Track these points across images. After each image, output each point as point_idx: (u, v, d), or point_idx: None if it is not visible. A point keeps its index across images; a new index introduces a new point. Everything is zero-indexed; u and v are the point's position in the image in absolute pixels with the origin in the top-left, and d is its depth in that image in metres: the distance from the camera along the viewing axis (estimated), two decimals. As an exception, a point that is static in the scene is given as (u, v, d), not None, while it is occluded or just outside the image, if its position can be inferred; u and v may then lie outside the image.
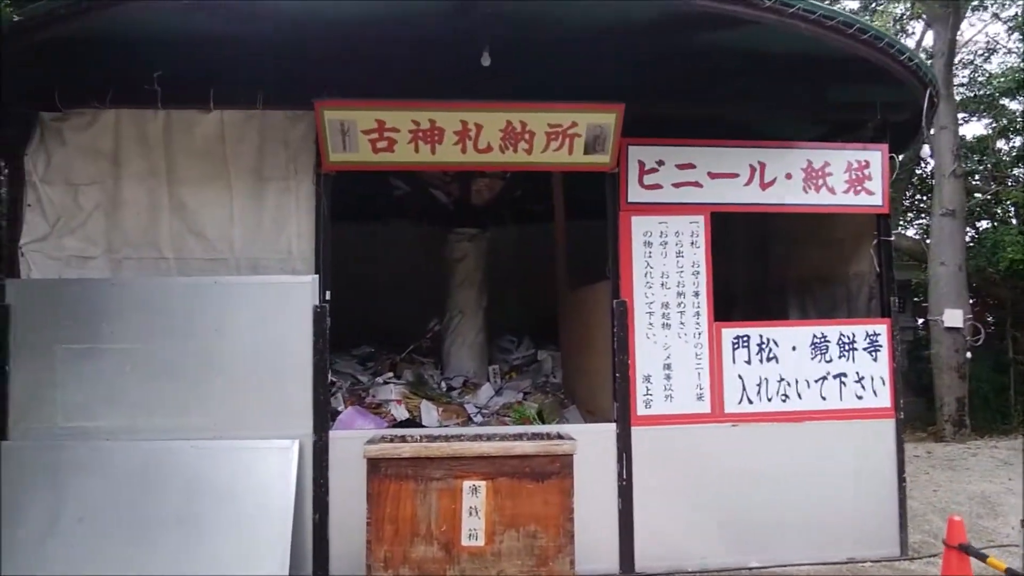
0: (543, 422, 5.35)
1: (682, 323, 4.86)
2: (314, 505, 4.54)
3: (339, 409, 5.31)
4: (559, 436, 4.50)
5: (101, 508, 4.31)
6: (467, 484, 4.11)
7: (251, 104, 4.72)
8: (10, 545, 4.21)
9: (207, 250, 4.77)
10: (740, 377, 4.88)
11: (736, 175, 4.94)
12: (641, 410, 4.79)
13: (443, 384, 6.55)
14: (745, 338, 4.91)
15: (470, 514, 4.07)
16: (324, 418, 4.59)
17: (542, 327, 8.21)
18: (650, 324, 4.84)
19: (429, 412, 5.79)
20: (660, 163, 4.85)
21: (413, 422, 5.38)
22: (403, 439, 4.46)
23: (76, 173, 4.74)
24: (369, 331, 8.29)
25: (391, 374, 6.45)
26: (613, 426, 4.77)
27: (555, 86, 4.53)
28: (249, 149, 4.81)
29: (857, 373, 4.99)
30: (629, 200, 4.87)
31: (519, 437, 4.51)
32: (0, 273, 4.70)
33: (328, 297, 4.70)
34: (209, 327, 4.59)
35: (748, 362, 4.89)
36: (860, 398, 4.98)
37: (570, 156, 4.67)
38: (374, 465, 4.10)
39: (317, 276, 4.67)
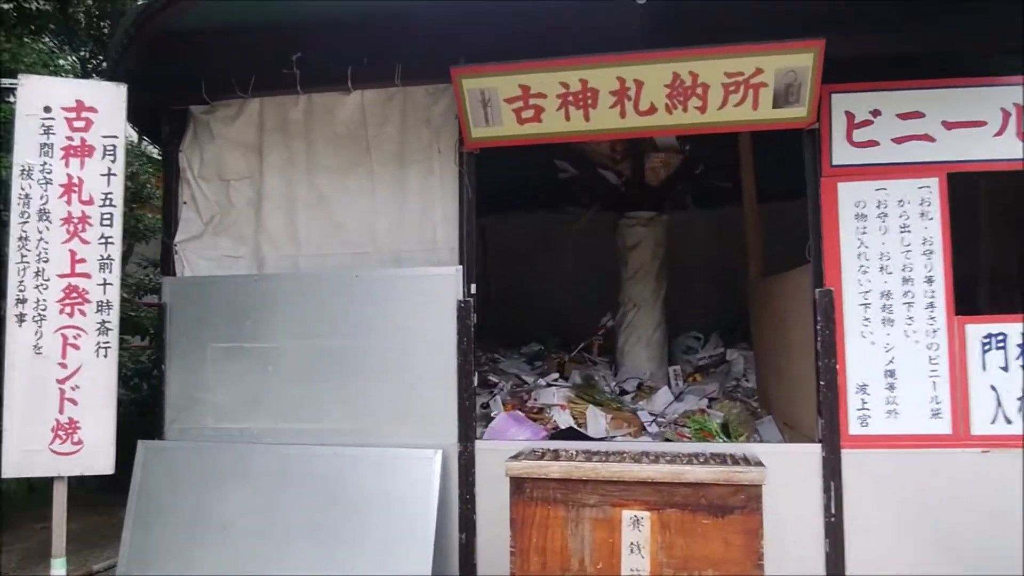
0: (728, 437, 4.48)
1: (910, 318, 3.79)
2: (460, 524, 4.04)
3: (493, 414, 4.79)
4: (745, 459, 3.65)
5: (243, 515, 4.11)
6: (627, 514, 3.40)
7: (389, 81, 4.31)
8: (156, 548, 4.12)
9: (348, 244, 4.44)
10: (993, 388, 3.72)
11: (982, 123, 3.78)
12: (855, 428, 3.80)
13: (615, 387, 5.84)
14: (1000, 337, 3.74)
15: (631, 551, 3.36)
16: (470, 426, 4.08)
17: (734, 322, 7.26)
18: (865, 319, 3.82)
19: (596, 419, 5.11)
20: (875, 113, 3.82)
21: (576, 431, 4.73)
22: (555, 454, 3.83)
23: (227, 168, 4.62)
24: (539, 327, 7.82)
25: (556, 375, 5.85)
26: (817, 447, 3.82)
27: (731, 25, 3.68)
28: (391, 131, 4.42)
29: None
30: (834, 163, 3.88)
31: (694, 458, 3.71)
32: (158, 271, 4.67)
33: (473, 290, 4.18)
34: (347, 325, 4.26)
35: (1005, 368, 3.72)
36: None
37: (755, 112, 3.78)
38: (517, 485, 3.51)
39: (461, 267, 4.17)
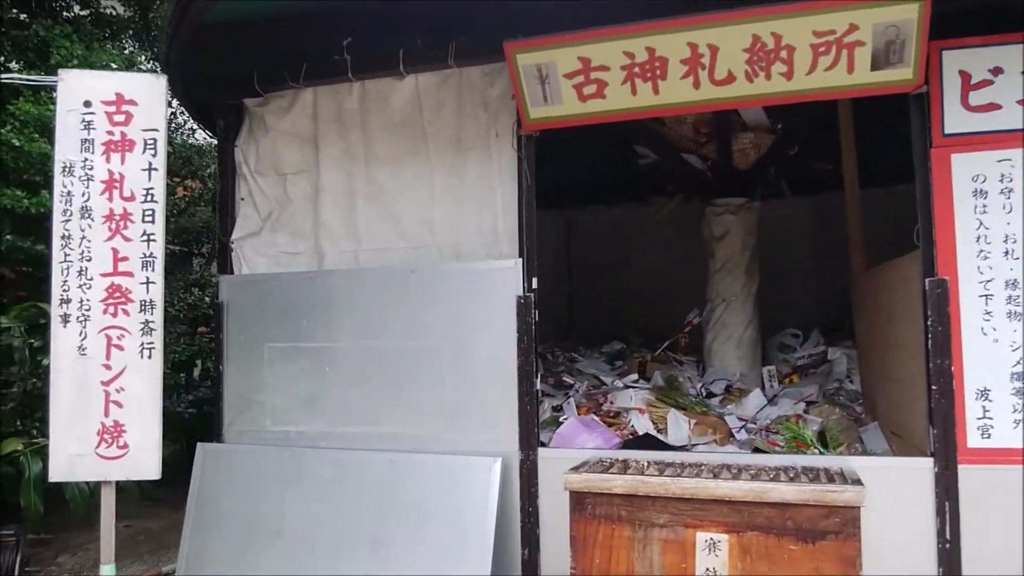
0: (825, 447, 3.98)
1: (1043, 311, 3.21)
2: (523, 539, 3.73)
3: (562, 419, 4.45)
4: (842, 475, 3.18)
5: (298, 522, 3.95)
6: (702, 536, 3.00)
7: (443, 63, 4.04)
8: (213, 552, 4.02)
9: (406, 237, 4.22)
10: None
11: None
12: (974, 441, 3.24)
13: (700, 389, 5.39)
14: None
15: (706, 579, 2.96)
16: (532, 432, 3.77)
17: (837, 319, 6.63)
18: (987, 313, 3.26)
19: (678, 424, 4.68)
20: (996, 71, 3.24)
21: (652, 438, 4.33)
22: (624, 465, 3.47)
23: (283, 162, 4.48)
24: (623, 325, 7.42)
25: (636, 376, 5.44)
26: (929, 462, 3.28)
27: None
28: (448, 116, 4.16)
29: None
30: (947, 131, 3.33)
31: (782, 472, 3.26)
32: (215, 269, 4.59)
33: (535, 285, 3.86)
34: (403, 324, 4.03)
35: None
36: None
37: (850, 76, 3.28)
38: (578, 500, 3.18)
39: (520, 260, 3.86)
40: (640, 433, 4.55)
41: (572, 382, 5.41)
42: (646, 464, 3.47)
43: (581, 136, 7.15)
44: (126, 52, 6.55)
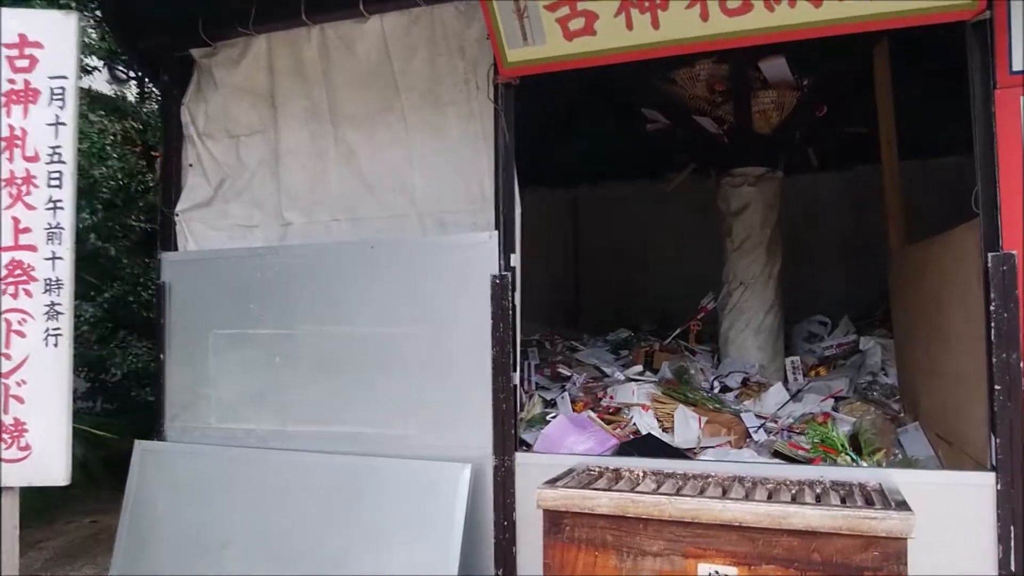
0: (858, 452, 3.36)
1: None
2: (497, 559, 3.18)
3: (550, 416, 3.88)
4: (881, 493, 2.58)
5: (244, 532, 3.42)
6: (705, 569, 2.42)
7: (411, 0, 3.46)
8: (147, 564, 3.51)
9: (384, 205, 3.67)
10: None
11: None
12: (1048, 452, 2.62)
13: (714, 382, 4.78)
14: None
15: (709, 624, 2.39)
16: (508, 434, 3.20)
17: (870, 305, 5.98)
18: (1066, 295, 2.63)
19: (686, 423, 4.09)
20: (1084, -11, 2.60)
21: (655, 440, 3.75)
22: (615, 475, 2.90)
23: (235, 122, 3.94)
24: (634, 311, 6.81)
25: (640, 367, 4.84)
26: (990, 478, 2.67)
27: None
28: (420, 66, 3.59)
29: None
30: (1015, 67, 2.70)
31: (807, 487, 2.67)
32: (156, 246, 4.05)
33: (515, 262, 3.28)
34: (365, 308, 3.48)
35: None
36: None
37: (892, 2, 2.65)
38: (554, 521, 2.60)
39: (497, 232, 3.28)
40: (641, 433, 3.97)
41: (570, 373, 4.82)
42: (641, 475, 2.90)
43: (587, 105, 6.63)
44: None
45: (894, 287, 4.63)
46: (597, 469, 2.97)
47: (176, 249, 3.92)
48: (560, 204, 7.69)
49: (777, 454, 3.61)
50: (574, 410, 4.27)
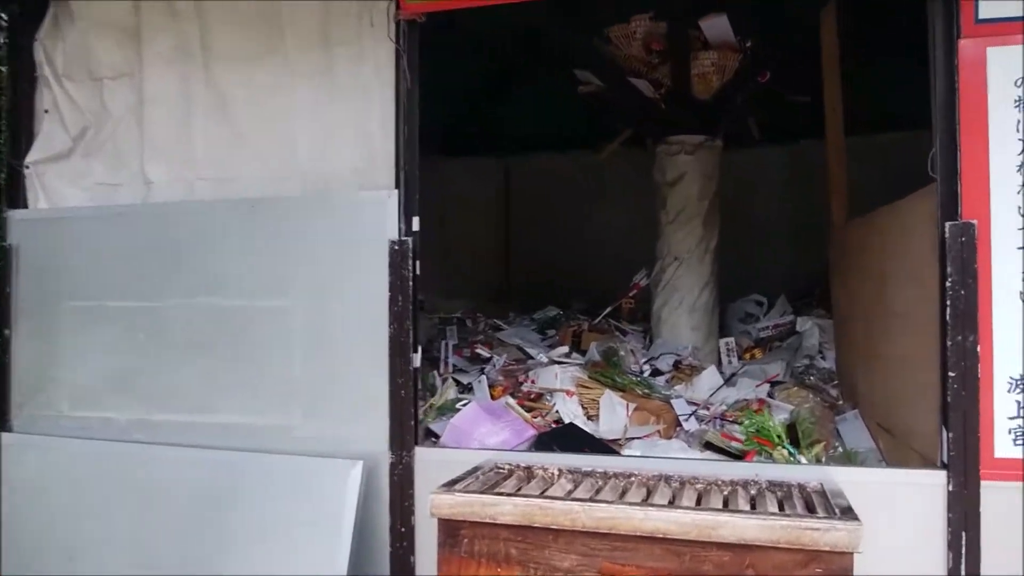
0: (797, 446, 3.06)
1: (1107, 270, 2.30)
2: (393, 569, 2.77)
3: (460, 405, 3.48)
4: (823, 494, 2.26)
5: (101, 540, 2.93)
6: (623, 589, 2.06)
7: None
8: None
9: (259, 162, 3.17)
10: None
11: None
12: (1003, 449, 2.34)
13: (645, 365, 4.44)
14: None
15: (627, 653, 2.03)
16: (407, 426, 2.78)
17: (809, 284, 5.75)
18: (1030, 272, 2.35)
19: (613, 410, 3.75)
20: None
21: (577, 430, 3.39)
22: (528, 473, 2.53)
23: (98, 62, 3.39)
24: (566, 287, 6.44)
25: (566, 349, 4.47)
26: (940, 477, 2.38)
27: None
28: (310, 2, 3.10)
29: None
30: (982, 15, 2.39)
31: (739, 490, 2.34)
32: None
33: (416, 226, 2.85)
34: (245, 277, 3.01)
35: None
36: None
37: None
38: (450, 532, 2.20)
39: (397, 192, 2.84)
40: (563, 422, 3.61)
41: (489, 355, 4.42)
42: (556, 473, 2.53)
43: (520, 68, 6.20)
44: None
45: (834, 264, 4.37)
46: (507, 467, 2.58)
47: (26, 207, 3.35)
48: (490, 173, 7.25)
49: (709, 446, 3.29)
50: (492, 396, 3.89)
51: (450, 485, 2.28)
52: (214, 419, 2.97)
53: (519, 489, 2.35)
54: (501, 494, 2.20)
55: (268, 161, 3.10)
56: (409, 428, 2.79)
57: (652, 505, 2.10)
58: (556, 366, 4.05)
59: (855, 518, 1.97)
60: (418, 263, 2.84)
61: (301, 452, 2.83)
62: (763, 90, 4.67)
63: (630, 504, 2.10)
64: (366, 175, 2.97)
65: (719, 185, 4.86)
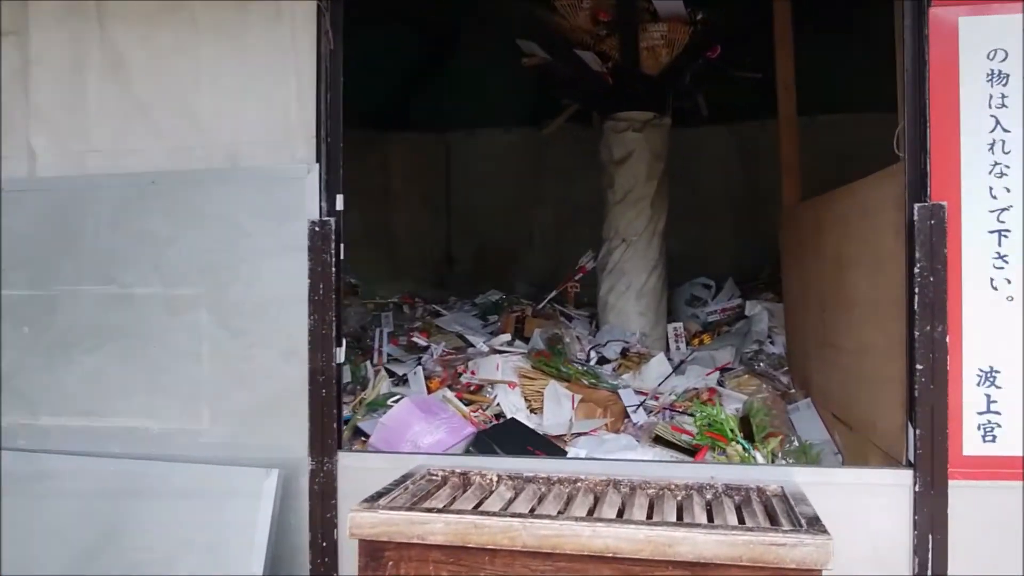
0: (752, 440, 2.89)
1: (1082, 256, 2.16)
2: (313, 588, 2.50)
3: (393, 401, 3.21)
4: (786, 501, 2.07)
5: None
6: (568, 615, 1.84)
7: None
8: None
9: (160, 133, 2.80)
10: None
11: None
12: (972, 447, 2.19)
13: (591, 353, 4.24)
14: None
15: None
16: (330, 428, 2.50)
17: (757, 267, 5.64)
18: (1000, 257, 2.18)
19: (558, 403, 3.54)
20: None
21: (518, 426, 3.16)
22: (464, 479, 2.29)
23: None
24: (511, 271, 6.21)
25: (508, 336, 4.23)
26: (906, 476, 2.23)
27: None
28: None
29: None
30: (954, -20, 2.21)
31: (694, 495, 2.14)
32: None
33: (340, 205, 2.56)
34: (145, 263, 2.66)
35: None
36: None
37: None
38: (373, 554, 1.94)
39: (318, 167, 2.54)
40: (505, 417, 3.38)
41: (427, 344, 4.15)
42: (496, 479, 2.29)
43: (463, 40, 5.88)
44: None
45: (786, 247, 4.22)
46: (440, 473, 2.33)
47: None
48: (430, 151, 6.93)
49: (659, 439, 3.11)
50: (429, 388, 3.64)
51: (373, 500, 2.01)
52: (109, 423, 2.63)
53: (453, 501, 2.11)
54: (431, 510, 1.95)
55: (170, 131, 2.74)
56: (331, 431, 2.51)
57: (601, 520, 1.88)
58: (497, 356, 3.81)
59: (823, 530, 1.78)
60: (343, 246, 2.55)
61: (209, 460, 2.52)
62: (714, 66, 4.49)
63: (576, 520, 1.87)
64: (283, 148, 2.64)
65: (668, 164, 4.66)
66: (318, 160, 2.54)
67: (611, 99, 4.58)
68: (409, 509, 1.94)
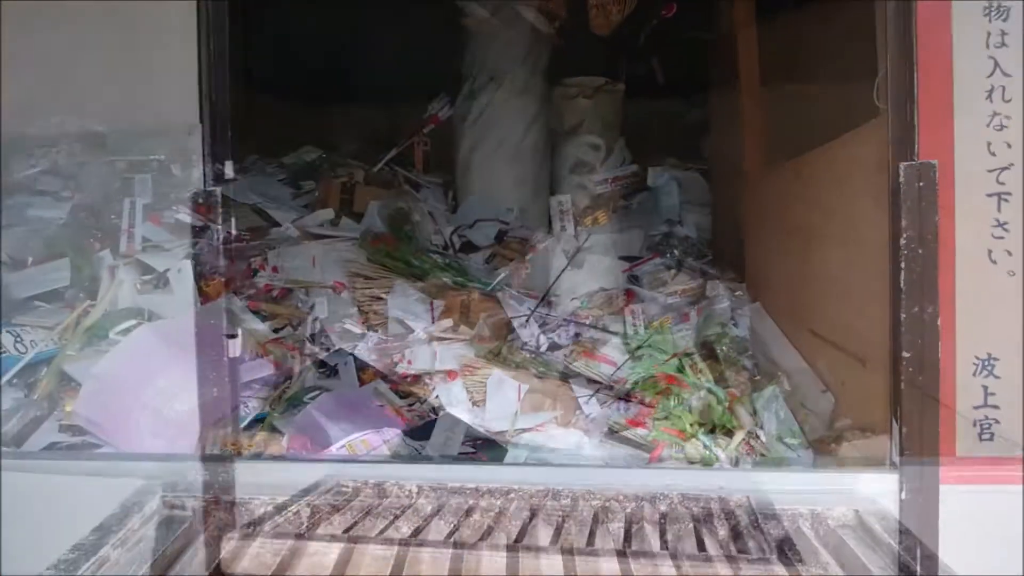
0: (713, 433, 2.57)
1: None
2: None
3: (308, 398, 2.83)
4: (752, 515, 1.74)
5: None
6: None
7: None
8: None
9: (8, 91, 2.38)
10: None
11: None
12: (967, 445, 1.90)
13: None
14: None
15: None
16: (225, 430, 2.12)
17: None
18: (1000, 225, 1.88)
19: (502, 393, 3.18)
20: None
21: (452, 422, 2.81)
22: (380, 492, 1.95)
23: None
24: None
25: (449, 322, 3.80)
26: (891, 481, 1.92)
27: None
28: None
29: None
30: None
31: (645, 510, 1.81)
32: None
33: (231, 173, 2.17)
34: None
35: None
36: None
37: None
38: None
39: (201, 128, 2.15)
40: (443, 411, 3.03)
41: (361, 332, 3.74)
42: (415, 491, 1.94)
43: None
44: None
45: (748, 218, 3.90)
46: (352, 485, 1.97)
47: None
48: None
49: (612, 434, 2.80)
50: (361, 381, 3.27)
51: (254, 524, 1.65)
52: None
53: (360, 518, 1.76)
54: (323, 536, 1.59)
55: (20, 89, 2.32)
56: (229, 434, 2.13)
57: (535, 553, 1.52)
58: (434, 344, 3.44)
59: (799, 558, 1.46)
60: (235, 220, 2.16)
61: (92, 473, 2.13)
62: (669, 26, 4.13)
63: (503, 549, 1.52)
64: (160, 109, 2.24)
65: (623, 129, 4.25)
66: (202, 120, 2.14)
67: (560, 63, 4.20)
68: (298, 537, 1.57)
